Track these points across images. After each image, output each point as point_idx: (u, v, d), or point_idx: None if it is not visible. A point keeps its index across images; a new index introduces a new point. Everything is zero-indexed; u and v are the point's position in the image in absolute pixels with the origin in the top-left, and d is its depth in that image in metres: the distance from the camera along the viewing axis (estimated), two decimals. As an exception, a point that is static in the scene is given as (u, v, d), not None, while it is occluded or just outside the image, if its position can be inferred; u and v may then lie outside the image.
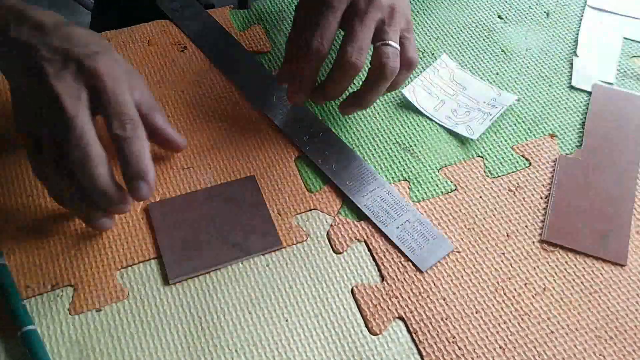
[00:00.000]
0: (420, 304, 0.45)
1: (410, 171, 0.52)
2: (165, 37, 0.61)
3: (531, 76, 0.59)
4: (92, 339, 0.43)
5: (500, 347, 0.43)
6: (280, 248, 0.47)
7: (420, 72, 0.58)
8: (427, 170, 0.52)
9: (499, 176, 0.52)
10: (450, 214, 0.50)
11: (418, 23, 0.63)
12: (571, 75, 0.59)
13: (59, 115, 0.41)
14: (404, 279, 0.46)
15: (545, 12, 0.65)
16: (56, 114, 0.41)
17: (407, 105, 0.56)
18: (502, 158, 0.53)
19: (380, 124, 0.55)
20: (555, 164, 0.53)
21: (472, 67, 0.60)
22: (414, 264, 0.46)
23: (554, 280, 0.46)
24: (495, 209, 0.50)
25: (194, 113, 0.56)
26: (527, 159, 0.53)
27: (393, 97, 0.57)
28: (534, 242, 0.48)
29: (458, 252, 0.47)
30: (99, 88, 0.42)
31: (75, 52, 0.43)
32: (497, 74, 0.59)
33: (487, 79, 0.59)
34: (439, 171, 0.52)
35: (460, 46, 0.62)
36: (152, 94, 0.48)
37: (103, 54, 0.43)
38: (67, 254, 0.47)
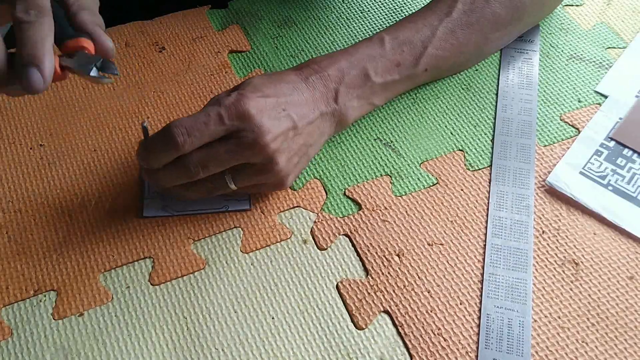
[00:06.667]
0: (405, 297, 0.45)
1: (392, 166, 0.52)
2: (143, 38, 0.61)
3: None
4: (76, 344, 0.43)
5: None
6: (248, 210, 0.49)
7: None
8: (408, 164, 0.52)
9: (479, 169, 0.52)
10: (433, 207, 0.50)
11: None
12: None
13: None
14: (389, 272, 0.46)
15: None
16: None
17: (387, 102, 0.57)
18: (482, 151, 0.53)
19: (360, 120, 0.55)
20: (534, 155, 0.53)
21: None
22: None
23: (536, 270, 0.47)
24: (476, 201, 0.50)
25: (174, 114, 0.55)
26: (506, 151, 0.54)
27: (373, 93, 0.57)
28: (515, 232, 0.49)
29: (441, 244, 0.48)
30: None
31: None
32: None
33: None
34: (420, 165, 0.52)
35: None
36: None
37: None
38: (49, 258, 0.46)
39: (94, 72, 0.41)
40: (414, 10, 0.57)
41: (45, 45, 0.38)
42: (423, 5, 0.56)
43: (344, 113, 0.51)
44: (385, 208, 0.50)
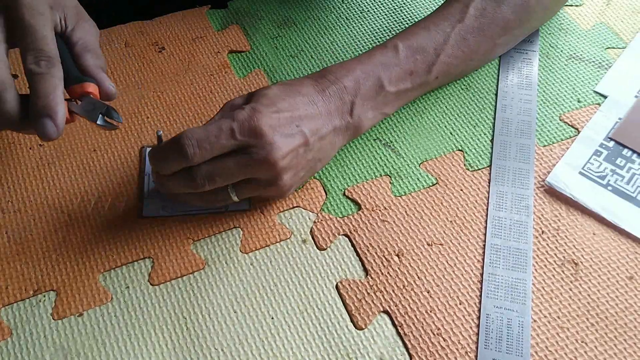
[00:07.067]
0: (404, 297, 0.45)
1: (392, 166, 0.52)
2: (143, 38, 0.61)
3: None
4: (76, 344, 0.43)
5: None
6: (248, 210, 0.49)
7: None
8: (408, 165, 0.53)
9: (479, 169, 0.52)
10: (432, 207, 0.50)
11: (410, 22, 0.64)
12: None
13: None
14: (388, 272, 0.46)
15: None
16: None
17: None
18: (482, 151, 0.54)
19: (360, 120, 0.55)
20: (534, 156, 0.53)
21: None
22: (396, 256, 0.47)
23: (536, 270, 0.47)
24: (476, 201, 0.50)
25: (174, 114, 0.55)
26: (506, 151, 0.54)
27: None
28: (515, 232, 0.49)
29: (441, 244, 0.48)
30: (15, 18, 0.41)
31: None
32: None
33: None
34: (419, 165, 0.52)
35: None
36: (102, 52, 0.46)
37: None
38: (49, 258, 0.47)
39: (100, 121, 0.43)
40: (414, 11, 0.58)
41: (57, 95, 0.40)
42: (426, 7, 0.55)
43: (358, 125, 0.51)
44: (385, 208, 0.50)
